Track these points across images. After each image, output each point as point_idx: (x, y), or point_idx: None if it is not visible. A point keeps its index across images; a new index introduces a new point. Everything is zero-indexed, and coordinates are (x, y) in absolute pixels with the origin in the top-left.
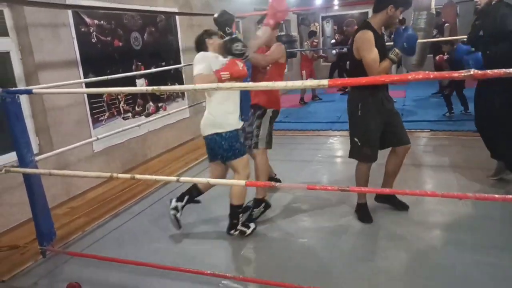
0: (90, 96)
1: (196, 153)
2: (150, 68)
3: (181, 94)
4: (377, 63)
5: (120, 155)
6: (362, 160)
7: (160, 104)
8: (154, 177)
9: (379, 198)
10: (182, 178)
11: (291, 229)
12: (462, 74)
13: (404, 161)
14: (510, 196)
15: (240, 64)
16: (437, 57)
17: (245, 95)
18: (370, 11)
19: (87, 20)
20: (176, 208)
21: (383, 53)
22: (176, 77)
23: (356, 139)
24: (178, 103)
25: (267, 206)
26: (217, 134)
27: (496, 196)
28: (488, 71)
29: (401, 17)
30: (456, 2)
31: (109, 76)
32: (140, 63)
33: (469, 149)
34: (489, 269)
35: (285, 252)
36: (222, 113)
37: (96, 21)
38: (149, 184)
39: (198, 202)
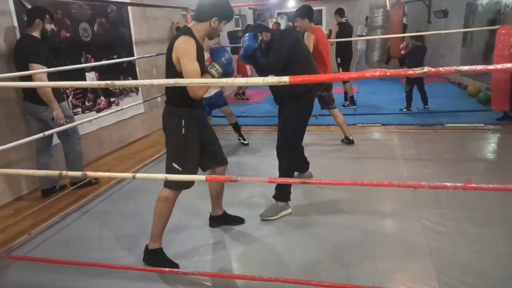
0: None
1: (151, 150)
2: (100, 61)
3: (134, 89)
4: (198, 75)
5: (56, 158)
6: (180, 188)
7: (112, 99)
8: (107, 174)
9: (213, 222)
10: (138, 175)
11: (252, 223)
12: (417, 72)
13: (359, 155)
14: (460, 184)
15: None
16: (401, 46)
17: None
18: (325, 8)
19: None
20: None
21: (202, 67)
22: (130, 70)
23: (175, 165)
24: (131, 98)
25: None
26: None
27: (448, 184)
28: (440, 68)
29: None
30: (404, 2)
31: (55, 68)
32: (90, 56)
33: (418, 142)
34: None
35: (246, 246)
36: None
37: None
38: (102, 182)
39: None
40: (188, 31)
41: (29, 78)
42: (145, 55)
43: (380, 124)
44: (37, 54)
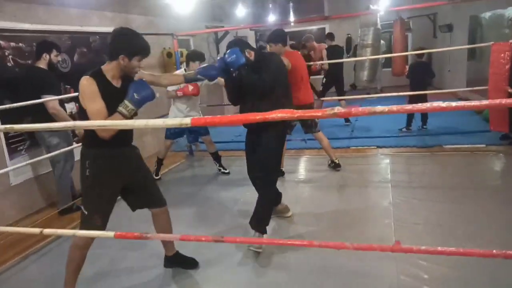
0: (5, 123)
1: None
2: None
3: None
4: (101, 115)
5: (46, 186)
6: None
7: None
8: (10, 228)
9: (167, 262)
10: (46, 230)
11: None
12: (326, 113)
13: (344, 182)
14: (389, 245)
15: (190, 87)
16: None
17: None
18: (327, 27)
19: (1, 42)
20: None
21: (114, 105)
22: None
23: (82, 207)
24: None
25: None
26: None
27: (375, 245)
28: (352, 109)
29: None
30: (408, 17)
31: (25, 102)
32: (69, 86)
33: (412, 166)
34: None
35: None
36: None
37: (13, 44)
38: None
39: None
40: (95, 71)
41: (41, 107)
42: None
43: (375, 147)
44: (49, 85)
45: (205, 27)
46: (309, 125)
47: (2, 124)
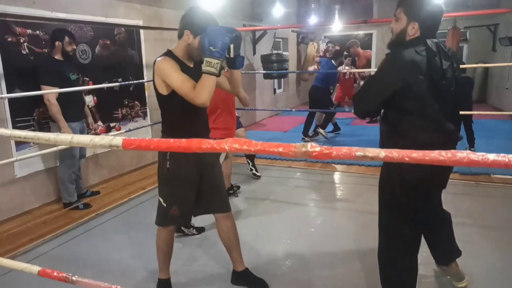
0: (15, 113)
1: (148, 180)
2: (100, 84)
3: (141, 114)
4: (188, 83)
5: (53, 180)
6: (167, 223)
7: (112, 124)
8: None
9: (234, 277)
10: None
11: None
12: (294, 150)
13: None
14: None
15: None
16: None
17: None
18: (375, 32)
19: (17, 29)
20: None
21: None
22: (137, 95)
23: (160, 198)
24: (137, 123)
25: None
26: None
27: None
28: (333, 151)
29: None
30: (465, 27)
31: (35, 92)
32: (87, 79)
33: (453, 197)
34: None
35: None
36: None
37: (29, 31)
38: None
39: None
40: (165, 53)
41: (40, 97)
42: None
43: None
44: (44, 74)
45: (243, 25)
46: None
47: (12, 114)
